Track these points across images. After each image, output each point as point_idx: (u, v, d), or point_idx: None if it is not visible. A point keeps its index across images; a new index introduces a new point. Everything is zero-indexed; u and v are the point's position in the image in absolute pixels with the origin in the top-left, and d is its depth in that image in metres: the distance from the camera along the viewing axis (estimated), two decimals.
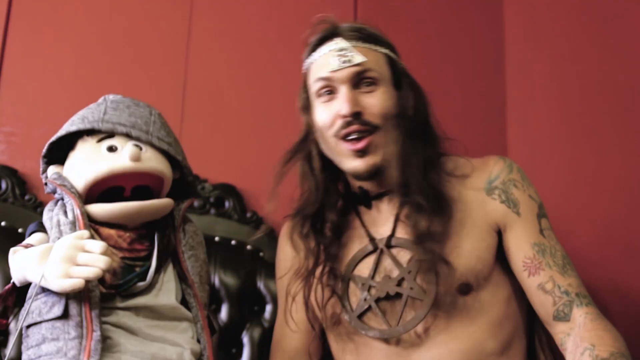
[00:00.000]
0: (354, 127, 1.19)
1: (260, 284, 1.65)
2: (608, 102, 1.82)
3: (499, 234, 1.24)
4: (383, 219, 1.28)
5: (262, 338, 1.61)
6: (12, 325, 1.27)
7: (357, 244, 1.27)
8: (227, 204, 1.74)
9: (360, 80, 1.21)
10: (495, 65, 1.98)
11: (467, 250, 1.20)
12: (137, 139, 1.17)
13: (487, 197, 1.24)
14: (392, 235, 1.24)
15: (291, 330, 1.29)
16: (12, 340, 1.45)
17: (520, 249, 1.21)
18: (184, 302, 1.17)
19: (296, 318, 1.29)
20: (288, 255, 1.34)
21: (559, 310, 1.16)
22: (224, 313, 1.61)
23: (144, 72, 1.81)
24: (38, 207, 1.65)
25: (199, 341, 1.15)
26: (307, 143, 1.29)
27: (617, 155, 1.77)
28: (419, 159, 1.22)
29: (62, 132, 1.19)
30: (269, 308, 1.64)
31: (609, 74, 1.83)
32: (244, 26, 1.89)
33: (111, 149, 1.15)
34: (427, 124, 1.27)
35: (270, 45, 1.89)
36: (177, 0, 1.89)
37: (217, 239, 1.66)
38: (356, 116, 1.19)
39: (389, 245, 1.24)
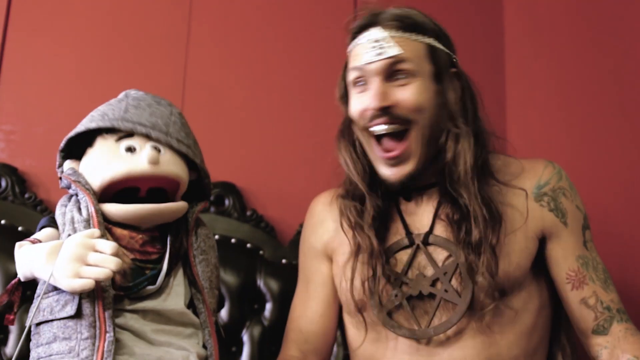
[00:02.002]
0: (382, 119, 1.17)
1: (260, 282, 1.65)
2: (607, 100, 1.82)
3: (540, 242, 1.21)
4: (421, 212, 1.24)
5: (262, 336, 1.61)
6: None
7: (393, 235, 1.24)
8: (227, 202, 1.74)
9: (393, 72, 1.17)
10: (495, 64, 1.98)
11: (509, 256, 1.17)
12: (157, 140, 1.15)
13: (535, 204, 1.21)
14: (430, 232, 1.21)
15: (315, 293, 1.30)
16: (13, 338, 1.45)
17: (565, 260, 1.19)
18: (191, 306, 1.15)
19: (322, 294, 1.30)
20: (325, 225, 1.31)
21: (599, 325, 1.16)
22: (224, 311, 1.60)
23: (144, 70, 1.81)
24: (38, 205, 1.65)
25: (205, 347, 1.13)
26: (350, 129, 1.26)
27: (617, 153, 1.78)
28: (466, 158, 1.17)
29: (80, 128, 1.17)
30: (269, 306, 1.64)
31: (609, 72, 1.84)
32: (243, 24, 1.89)
33: (130, 149, 1.13)
34: (474, 120, 1.21)
35: (270, 43, 1.89)
36: None
37: (216, 237, 1.66)
38: (385, 110, 1.16)
39: (425, 242, 1.21)
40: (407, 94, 1.16)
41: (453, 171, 1.18)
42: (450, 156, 1.18)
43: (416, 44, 1.18)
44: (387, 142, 1.19)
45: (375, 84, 1.17)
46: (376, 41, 1.17)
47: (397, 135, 1.17)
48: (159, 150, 1.15)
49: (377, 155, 1.20)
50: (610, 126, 1.81)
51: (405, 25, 1.18)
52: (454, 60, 1.23)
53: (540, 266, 1.22)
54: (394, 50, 1.16)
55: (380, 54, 1.16)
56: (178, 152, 1.18)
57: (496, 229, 1.15)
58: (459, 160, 1.17)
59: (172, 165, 1.15)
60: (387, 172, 1.19)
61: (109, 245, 1.02)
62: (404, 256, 1.22)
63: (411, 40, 1.17)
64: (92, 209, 1.10)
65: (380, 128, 1.18)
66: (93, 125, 1.15)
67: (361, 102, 1.19)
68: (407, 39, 1.17)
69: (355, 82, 1.21)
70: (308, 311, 1.32)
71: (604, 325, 1.16)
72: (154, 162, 1.12)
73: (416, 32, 1.18)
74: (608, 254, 1.61)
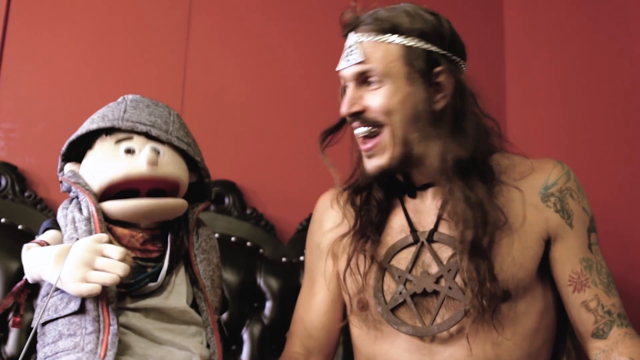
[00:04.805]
0: (357, 123, 1.21)
1: (260, 281, 1.65)
2: (607, 98, 1.82)
3: (546, 243, 1.20)
4: (426, 210, 1.24)
5: (262, 335, 1.61)
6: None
7: (398, 233, 1.25)
8: (227, 200, 1.74)
9: (365, 77, 1.19)
10: (495, 63, 1.98)
11: (513, 257, 1.17)
12: (157, 138, 1.16)
13: (542, 204, 1.20)
14: (435, 229, 1.21)
15: (326, 286, 1.30)
16: (13, 337, 1.45)
17: (568, 262, 1.19)
18: (194, 305, 1.16)
19: (328, 290, 1.31)
20: (330, 221, 1.32)
21: (599, 328, 1.16)
22: None
23: (143, 69, 1.81)
24: (38, 203, 1.65)
25: (208, 346, 1.14)
26: None
27: (617, 151, 1.78)
28: (453, 157, 1.16)
29: (82, 130, 1.18)
30: (268, 305, 1.64)
31: (608, 70, 1.84)
32: (243, 23, 1.89)
33: (129, 151, 1.14)
34: (465, 118, 1.20)
35: (270, 42, 1.89)
36: None
37: (216, 235, 1.66)
38: (357, 115, 1.19)
39: (430, 240, 1.21)
40: (376, 98, 1.18)
41: (429, 170, 1.21)
42: (424, 154, 1.20)
43: (388, 46, 1.18)
44: (364, 140, 1.22)
45: (349, 89, 1.21)
46: (349, 47, 1.20)
47: (372, 135, 1.21)
48: (158, 152, 1.15)
49: (359, 150, 1.24)
50: (611, 124, 1.81)
51: (381, 27, 1.18)
52: (444, 57, 1.20)
53: (545, 268, 1.22)
54: (357, 57, 1.18)
55: (348, 60, 1.20)
56: (178, 150, 1.18)
57: (488, 230, 1.15)
58: (431, 159, 1.19)
59: (171, 167, 1.16)
60: (366, 164, 1.22)
61: (116, 251, 1.02)
62: (408, 254, 1.22)
63: (383, 43, 1.18)
64: (92, 208, 1.11)
65: (357, 131, 1.22)
66: (94, 126, 1.16)
67: (342, 107, 1.24)
68: (378, 42, 1.18)
69: (343, 86, 1.25)
70: (313, 308, 1.32)
71: (604, 329, 1.16)
72: (153, 163, 1.12)
73: (391, 33, 1.18)
74: (608, 252, 1.62)
